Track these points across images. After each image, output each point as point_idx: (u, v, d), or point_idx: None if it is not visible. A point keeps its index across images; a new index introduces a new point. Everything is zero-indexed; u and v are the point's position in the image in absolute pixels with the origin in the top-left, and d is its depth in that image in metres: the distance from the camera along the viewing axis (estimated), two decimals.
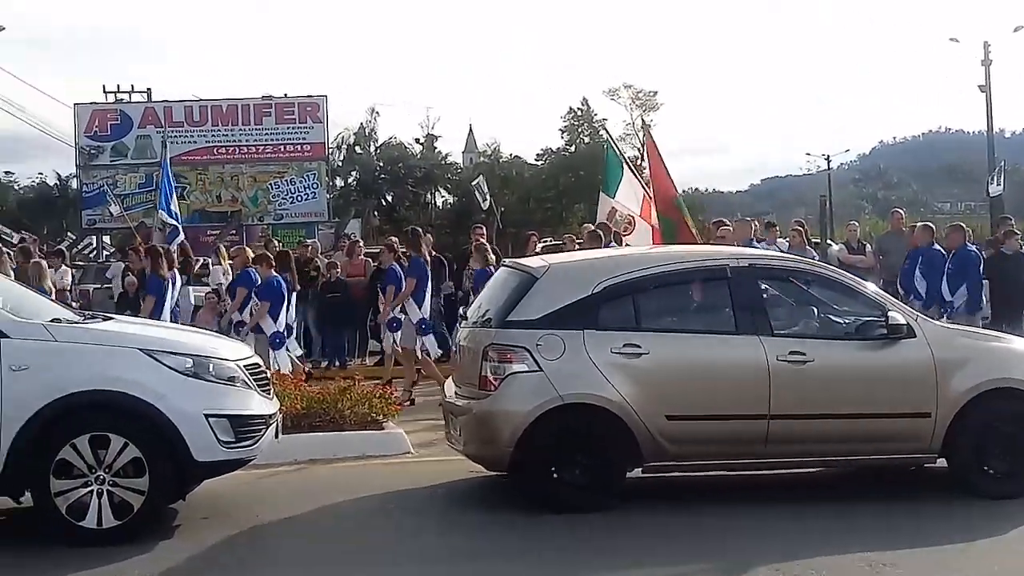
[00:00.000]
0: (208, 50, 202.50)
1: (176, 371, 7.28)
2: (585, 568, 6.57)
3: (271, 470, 9.18)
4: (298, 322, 16.63)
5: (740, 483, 8.57)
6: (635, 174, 16.03)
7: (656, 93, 73.54)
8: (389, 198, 62.01)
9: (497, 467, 8.21)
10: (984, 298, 13.71)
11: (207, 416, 7.23)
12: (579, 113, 67.24)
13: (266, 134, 34.38)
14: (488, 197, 23.32)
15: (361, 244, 20.30)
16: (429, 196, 63.66)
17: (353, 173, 61.41)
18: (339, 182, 59.09)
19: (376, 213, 59.64)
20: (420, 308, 13.55)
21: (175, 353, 7.40)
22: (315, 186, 34.48)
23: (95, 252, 35.46)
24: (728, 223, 15.70)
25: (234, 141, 34.41)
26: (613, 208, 15.47)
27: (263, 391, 7.91)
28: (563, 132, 67.45)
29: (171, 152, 35.26)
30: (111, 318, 8.97)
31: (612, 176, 15.91)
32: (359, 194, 60.19)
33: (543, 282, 8.08)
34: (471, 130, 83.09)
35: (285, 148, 33.79)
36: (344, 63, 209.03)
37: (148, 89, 39.94)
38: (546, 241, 22.32)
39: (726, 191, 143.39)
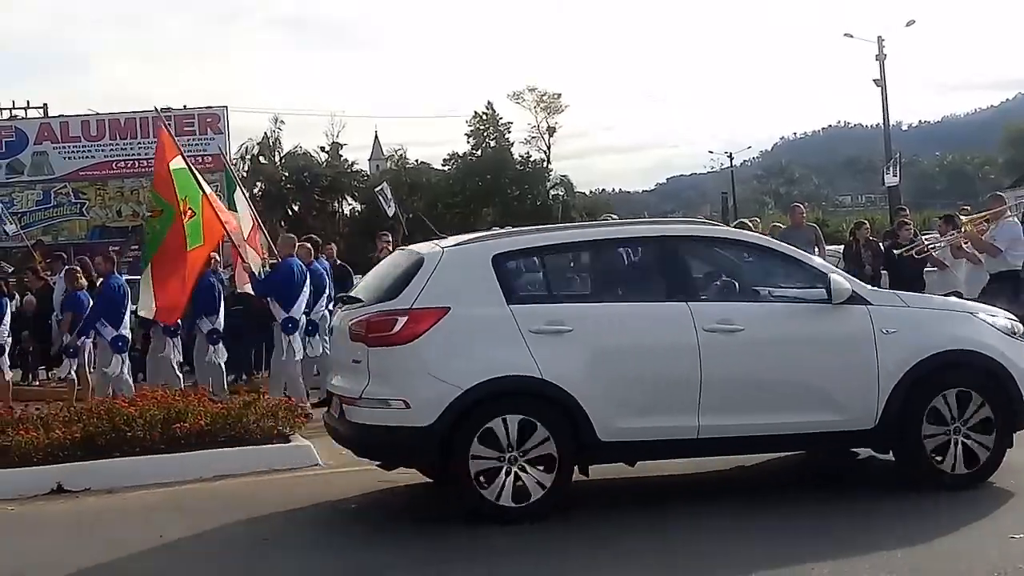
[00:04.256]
0: (106, 65, 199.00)
1: (1004, 333, 7.89)
2: None
3: (176, 488, 9.03)
4: None
5: None
6: (245, 197, 15.05)
7: (560, 95, 74.30)
8: (296, 208, 61.54)
9: None
10: None
11: None
12: (484, 117, 67.39)
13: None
14: (392, 203, 23.19)
15: (266, 256, 20.01)
16: (336, 205, 63.34)
17: (258, 184, 60.83)
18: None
19: (283, 223, 59.11)
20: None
21: (999, 317, 8.04)
22: (218, 198, 34.03)
23: None
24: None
25: (133, 155, 33.86)
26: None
27: None
28: (469, 137, 67.58)
29: (69, 168, 34.84)
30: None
31: (228, 195, 15.06)
32: (264, 204, 59.60)
33: None
34: (376, 137, 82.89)
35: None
36: (247, 74, 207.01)
37: (44, 104, 39.15)
38: None
39: (632, 191, 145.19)
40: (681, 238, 8.00)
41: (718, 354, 7.32)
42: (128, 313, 13.72)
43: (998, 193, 15.33)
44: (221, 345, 14.21)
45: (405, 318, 7.18)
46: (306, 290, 13.55)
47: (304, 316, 13.58)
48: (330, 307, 14.69)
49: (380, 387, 7.22)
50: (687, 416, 7.27)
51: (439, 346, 7.16)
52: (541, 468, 7.14)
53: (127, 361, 13.71)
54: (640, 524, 7.30)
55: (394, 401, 7.15)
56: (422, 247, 8.09)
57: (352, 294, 8.56)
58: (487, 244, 7.79)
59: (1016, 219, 14.22)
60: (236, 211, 13.88)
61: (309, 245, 14.98)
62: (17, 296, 20.72)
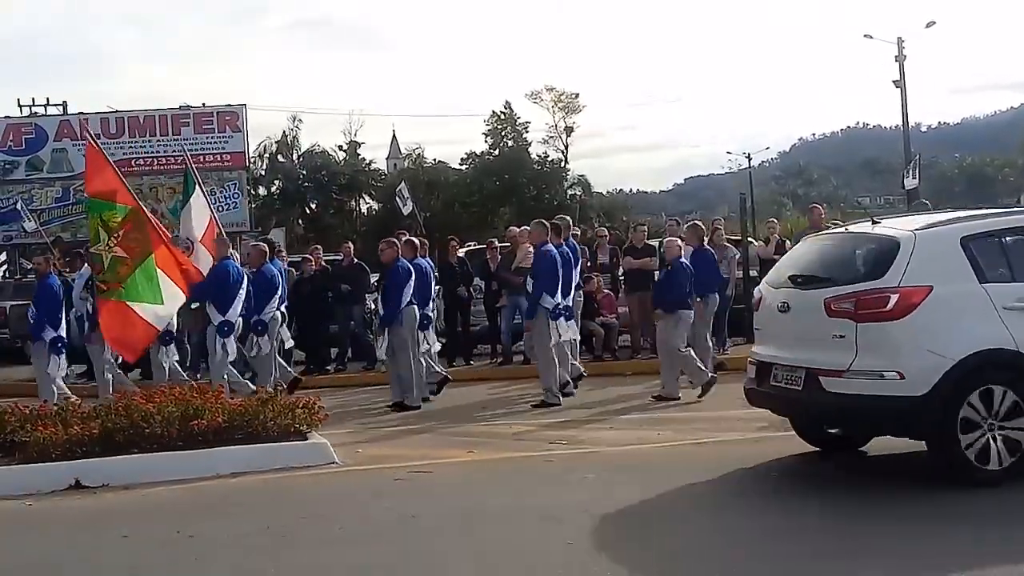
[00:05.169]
0: (121, 64, 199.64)
1: None
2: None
3: (193, 484, 9.05)
4: None
5: None
6: (205, 197, 15.16)
7: (578, 95, 74.10)
8: (313, 206, 61.58)
9: None
10: None
11: None
12: (502, 117, 67.27)
13: (185, 144, 33.90)
14: (410, 203, 23.21)
15: (284, 253, 20.15)
16: (354, 203, 63.35)
17: (276, 182, 60.89)
18: (262, 191, 58.54)
19: (300, 221, 59.21)
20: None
21: None
22: (236, 196, 34.06)
23: (8, 269, 34.64)
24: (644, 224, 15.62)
25: (152, 152, 33.88)
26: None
27: None
28: (486, 136, 67.45)
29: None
30: None
31: (186, 194, 15.19)
32: (283, 203, 59.69)
33: None
34: (394, 135, 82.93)
35: (204, 158, 33.12)
36: (265, 73, 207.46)
37: (64, 102, 39.15)
38: (469, 245, 22.30)
39: (649, 191, 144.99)
40: None
41: None
42: (64, 315, 13.80)
43: (923, 201, 15.54)
44: (172, 346, 13.97)
45: (897, 296, 7.78)
46: (242, 292, 13.50)
47: (240, 319, 13.53)
48: (283, 308, 14.66)
49: (871, 360, 7.80)
50: None
51: (927, 321, 7.75)
52: (1006, 439, 7.71)
53: (64, 362, 13.71)
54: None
55: (888, 373, 7.72)
56: (880, 230, 8.52)
57: (804, 274, 8.76)
58: (954, 227, 8.27)
59: None
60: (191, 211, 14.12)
61: (265, 246, 14.99)
62: None
